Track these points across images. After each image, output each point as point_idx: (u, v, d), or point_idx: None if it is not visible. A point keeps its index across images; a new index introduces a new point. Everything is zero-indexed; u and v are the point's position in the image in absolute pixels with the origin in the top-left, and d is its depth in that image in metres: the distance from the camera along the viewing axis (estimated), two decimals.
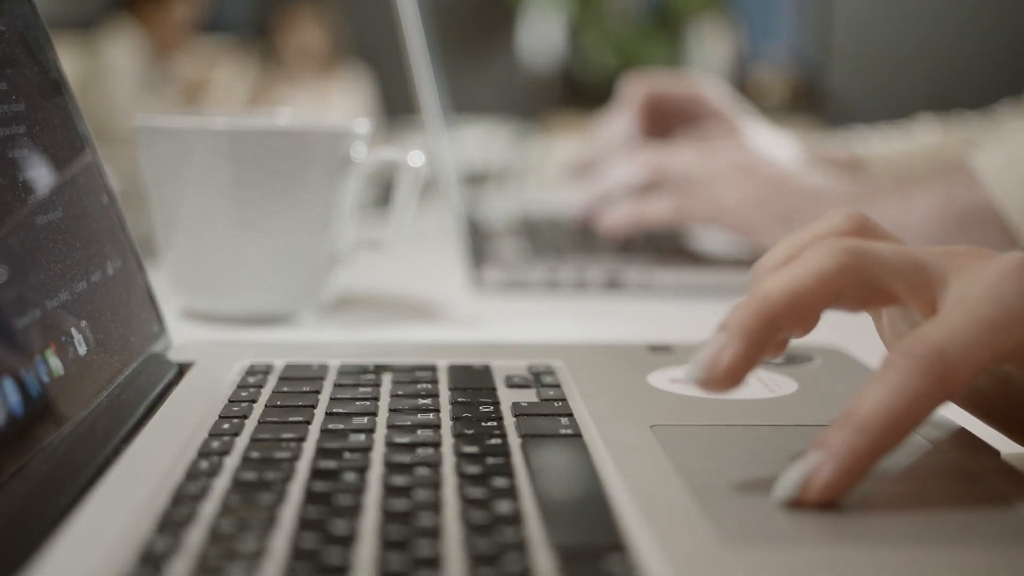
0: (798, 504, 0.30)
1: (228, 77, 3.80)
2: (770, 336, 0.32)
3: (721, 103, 0.96)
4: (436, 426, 0.37)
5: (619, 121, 0.96)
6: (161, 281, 0.57)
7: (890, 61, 4.41)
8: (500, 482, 0.32)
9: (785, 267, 0.32)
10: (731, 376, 0.32)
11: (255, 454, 0.34)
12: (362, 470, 0.33)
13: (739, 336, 0.31)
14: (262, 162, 0.59)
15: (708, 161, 0.81)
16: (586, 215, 0.90)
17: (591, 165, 0.97)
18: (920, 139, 0.99)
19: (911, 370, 0.30)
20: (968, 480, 0.32)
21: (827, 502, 0.30)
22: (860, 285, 0.32)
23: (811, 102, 4.46)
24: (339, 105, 3.73)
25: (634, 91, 0.96)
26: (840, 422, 0.30)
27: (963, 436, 0.36)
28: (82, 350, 0.38)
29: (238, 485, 0.31)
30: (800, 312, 0.32)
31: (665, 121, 0.97)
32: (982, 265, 0.32)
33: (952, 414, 0.39)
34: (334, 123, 0.63)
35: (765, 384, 0.43)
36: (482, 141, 2.09)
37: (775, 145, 0.91)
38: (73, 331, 0.37)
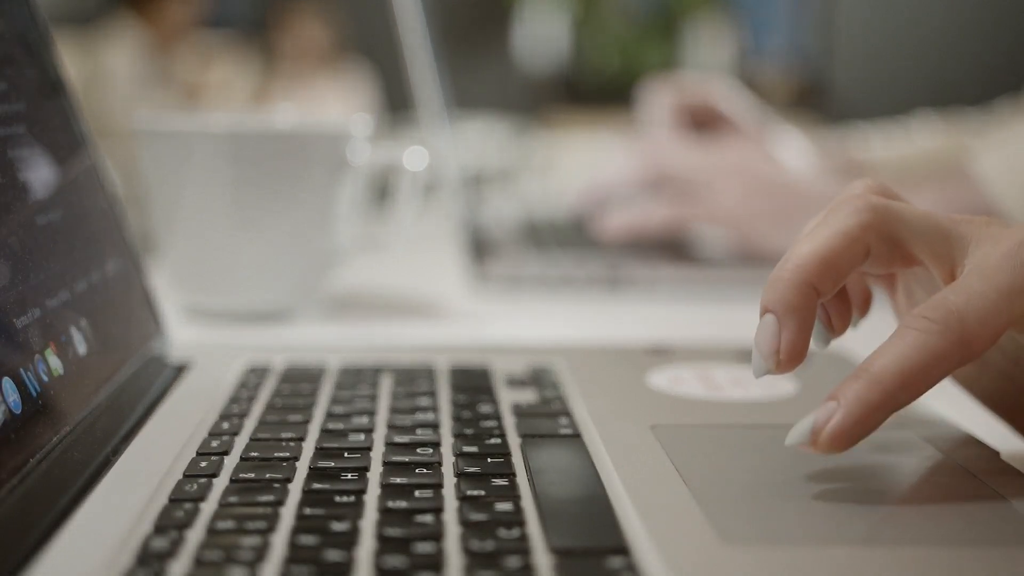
0: (808, 449, 0.31)
1: (228, 74, 3.79)
2: (812, 301, 0.32)
3: (733, 111, 0.94)
4: (436, 426, 0.37)
5: (660, 130, 0.92)
6: (161, 280, 0.57)
7: (892, 58, 4.41)
8: (500, 482, 0.32)
9: (811, 231, 0.33)
10: (794, 355, 0.32)
11: (255, 454, 0.34)
12: (362, 470, 0.33)
13: (785, 314, 0.32)
14: (262, 163, 0.59)
15: (706, 162, 0.81)
16: (584, 211, 0.89)
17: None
18: (920, 143, 0.98)
19: (930, 330, 0.30)
20: (968, 480, 0.32)
21: (836, 450, 0.30)
22: (884, 241, 0.32)
23: (813, 99, 4.46)
24: (339, 101, 3.73)
25: (663, 101, 0.93)
26: (855, 374, 0.31)
27: (963, 436, 0.36)
28: (82, 349, 0.38)
29: (238, 485, 0.31)
30: (833, 272, 0.32)
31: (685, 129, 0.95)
32: (1000, 234, 0.32)
33: (952, 414, 0.39)
34: (334, 124, 0.63)
35: (765, 385, 0.43)
36: (483, 139, 2.09)
37: (789, 152, 0.90)
38: (73, 331, 0.37)
